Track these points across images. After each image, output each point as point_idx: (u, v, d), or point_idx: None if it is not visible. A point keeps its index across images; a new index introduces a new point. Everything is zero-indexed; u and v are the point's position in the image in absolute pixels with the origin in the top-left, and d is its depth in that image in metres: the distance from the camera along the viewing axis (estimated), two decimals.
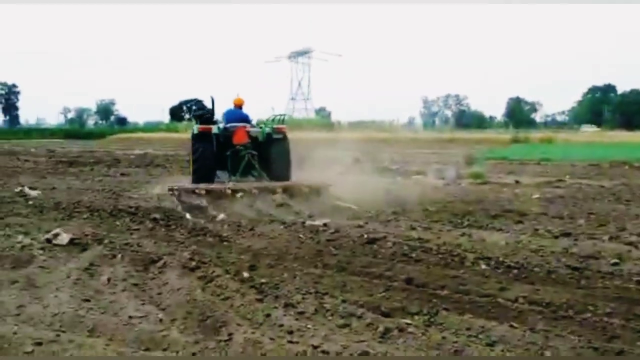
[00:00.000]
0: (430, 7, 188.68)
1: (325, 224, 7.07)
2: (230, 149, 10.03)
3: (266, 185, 9.41)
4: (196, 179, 9.77)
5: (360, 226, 7.01)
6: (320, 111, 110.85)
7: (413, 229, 6.89)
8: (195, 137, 10.13)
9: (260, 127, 10.55)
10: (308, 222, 7.21)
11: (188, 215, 7.77)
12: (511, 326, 3.76)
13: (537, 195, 10.01)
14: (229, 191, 8.87)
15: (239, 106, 10.80)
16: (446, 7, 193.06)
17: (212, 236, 6.54)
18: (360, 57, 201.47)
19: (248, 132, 10.20)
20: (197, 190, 8.79)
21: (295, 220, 7.40)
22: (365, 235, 6.38)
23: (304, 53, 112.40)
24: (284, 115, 11.55)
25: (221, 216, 7.79)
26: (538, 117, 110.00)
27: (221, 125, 10.25)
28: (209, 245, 6.11)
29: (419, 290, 4.50)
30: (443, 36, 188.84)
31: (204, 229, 6.89)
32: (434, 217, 7.80)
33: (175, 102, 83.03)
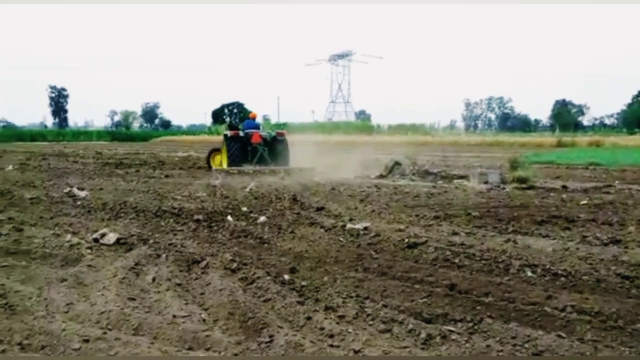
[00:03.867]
0: (472, 7, 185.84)
1: (365, 228, 7.04)
2: (249, 146, 15.98)
3: (273, 168, 15.03)
4: (230, 164, 15.68)
5: (401, 230, 6.94)
6: (360, 114, 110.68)
7: (455, 234, 6.76)
8: (229, 138, 16.28)
9: (268, 132, 16.76)
10: (348, 226, 7.19)
11: (229, 218, 7.86)
12: (559, 336, 3.65)
13: (585, 201, 9.69)
14: (251, 170, 14.59)
15: (253, 118, 17.57)
16: (489, 7, 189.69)
17: (253, 238, 6.60)
18: (401, 59, 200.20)
19: (261, 135, 16.14)
20: (231, 171, 14.69)
21: (335, 224, 7.39)
22: (406, 240, 6.31)
23: (344, 56, 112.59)
24: (285, 123, 19.45)
25: (261, 219, 7.85)
26: (585, 120, 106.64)
27: (241, 133, 16.15)
28: (250, 247, 6.17)
29: (462, 296, 4.42)
30: (486, 37, 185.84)
31: (245, 231, 6.96)
32: (478, 222, 7.65)
33: (217, 106, 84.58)
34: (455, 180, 13.57)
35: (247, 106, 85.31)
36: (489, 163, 19.01)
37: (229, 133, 16.48)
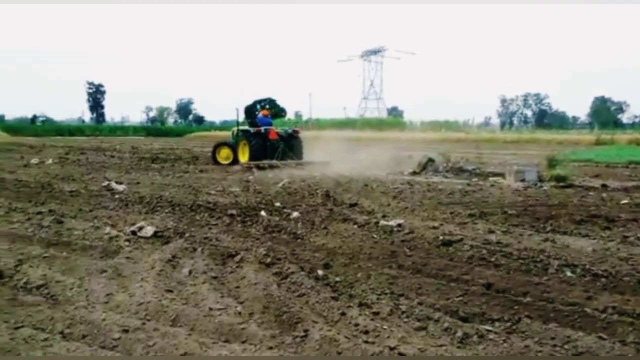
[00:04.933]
0: (508, 1, 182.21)
1: (399, 225, 7.00)
2: (268, 142, 17.63)
3: (289, 162, 16.69)
4: (251, 159, 17.07)
5: (435, 227, 6.88)
6: (392, 110, 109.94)
7: (491, 232, 6.67)
8: (252, 135, 17.90)
9: (285, 129, 18.63)
10: (382, 222, 7.16)
11: (263, 213, 7.93)
12: (599, 337, 3.56)
13: (626, 200, 9.41)
14: (278, 164, 16.28)
15: (265, 115, 19.71)
16: (526, 1, 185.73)
17: (286, 233, 6.64)
18: (434, 55, 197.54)
19: (277, 132, 17.85)
20: (261, 165, 16.24)
21: (368, 220, 7.38)
22: (441, 237, 6.25)
23: (376, 52, 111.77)
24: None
25: (295, 214, 7.89)
26: (625, 117, 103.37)
27: (262, 129, 17.74)
28: (284, 242, 6.21)
29: (499, 296, 4.35)
30: (522, 32, 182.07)
31: (279, 226, 7.01)
32: (514, 220, 7.51)
33: (250, 102, 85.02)
34: (491, 178, 13.35)
35: (279, 102, 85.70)
36: (525, 161, 18.65)
37: (251, 129, 18.19)
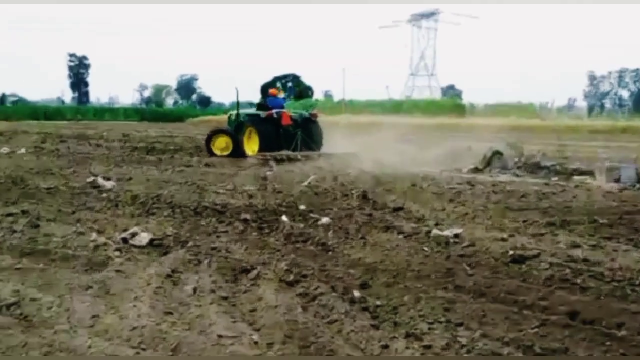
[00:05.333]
0: None
1: (456, 235, 6.96)
2: (281, 129, 18.22)
3: (305, 153, 17.14)
4: (262, 149, 17.49)
5: (503, 239, 6.82)
6: (449, 90, 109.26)
7: (576, 246, 6.57)
8: (261, 120, 18.41)
9: (300, 113, 19.49)
10: (434, 232, 7.12)
11: (284, 218, 7.98)
12: None
13: None
14: (299, 157, 16.66)
15: (274, 95, 19.89)
16: None
17: (313, 244, 6.67)
18: (502, 20, 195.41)
19: (290, 116, 18.46)
20: (278, 157, 16.40)
21: (417, 229, 7.36)
22: (511, 252, 6.19)
23: (429, 15, 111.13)
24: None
25: (324, 220, 7.92)
26: None
27: (275, 113, 18.18)
28: (310, 255, 6.24)
29: (587, 328, 4.29)
30: None
31: (304, 234, 7.05)
32: (606, 232, 7.40)
33: (269, 78, 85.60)
34: (576, 177, 13.18)
35: (305, 79, 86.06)
36: (620, 155, 18.32)
37: (261, 113, 18.69)
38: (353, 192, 10.16)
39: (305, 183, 11.28)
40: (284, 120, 18.19)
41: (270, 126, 18.19)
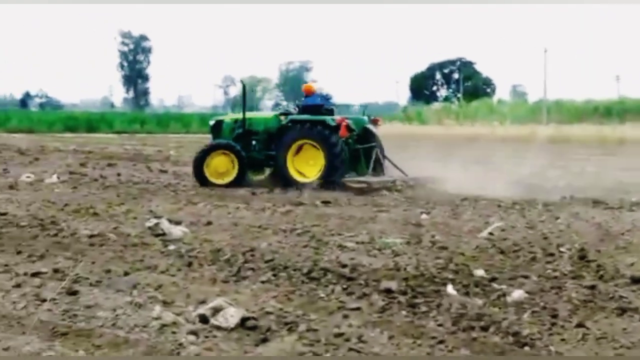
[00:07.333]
0: None
1: None
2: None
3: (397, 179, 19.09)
4: (331, 173, 18.60)
5: None
6: None
7: None
8: (332, 129, 18.79)
9: (357, 118, 20.62)
10: None
11: (450, 288, 7.91)
12: None
13: None
14: (400, 184, 18.66)
15: (310, 93, 20.70)
16: None
17: (498, 333, 6.54)
18: None
19: (347, 125, 19.02)
20: (355, 184, 18.29)
21: None
22: None
23: None
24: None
25: (515, 294, 7.77)
26: None
27: (329, 120, 19.01)
28: (494, 350, 6.12)
29: None
30: None
31: (481, 317, 6.92)
32: None
33: (423, 66, 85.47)
34: None
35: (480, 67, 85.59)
36: None
37: (328, 119, 19.25)
38: (563, 249, 9.97)
39: (485, 233, 11.13)
40: (342, 132, 18.86)
41: (339, 139, 18.82)
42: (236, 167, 19.03)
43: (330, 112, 19.99)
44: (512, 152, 20.82)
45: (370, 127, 20.13)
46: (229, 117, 20.92)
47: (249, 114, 20.17)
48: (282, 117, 19.99)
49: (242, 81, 19.83)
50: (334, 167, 18.52)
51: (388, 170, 19.76)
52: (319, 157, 18.67)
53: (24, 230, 11.18)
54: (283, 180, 18.80)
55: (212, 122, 21.23)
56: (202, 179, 19.18)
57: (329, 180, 18.35)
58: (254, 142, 19.61)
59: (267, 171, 20.33)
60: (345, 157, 18.78)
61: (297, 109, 20.73)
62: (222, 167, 19.16)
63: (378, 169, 19.56)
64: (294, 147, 18.99)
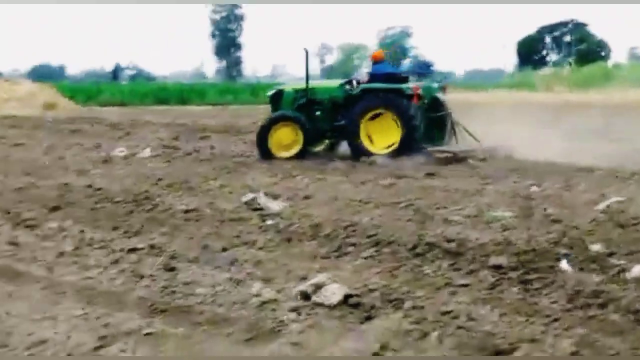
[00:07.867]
0: None
1: None
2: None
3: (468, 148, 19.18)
4: (410, 143, 18.42)
5: None
6: None
7: None
8: (405, 97, 18.70)
9: (429, 86, 20.53)
10: None
11: (564, 264, 7.80)
12: None
13: None
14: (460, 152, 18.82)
15: (379, 60, 20.75)
16: None
17: (619, 311, 6.43)
18: None
19: (418, 93, 18.85)
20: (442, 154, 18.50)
21: None
22: None
23: None
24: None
25: (635, 270, 7.63)
26: None
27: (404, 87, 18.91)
28: (614, 329, 6.02)
29: None
30: None
31: (599, 294, 6.80)
32: None
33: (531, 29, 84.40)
34: None
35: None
36: None
37: (405, 87, 19.00)
38: None
39: (601, 206, 10.93)
40: (414, 99, 18.82)
41: (416, 109, 18.74)
42: (300, 139, 18.81)
43: (404, 80, 19.89)
44: (631, 120, 20.22)
45: (440, 95, 20.20)
46: (290, 86, 20.70)
47: (312, 83, 19.93)
48: (348, 86, 19.74)
49: (305, 48, 20.04)
50: (411, 138, 18.21)
51: (465, 139, 19.81)
52: (393, 127, 18.45)
53: (118, 206, 11.43)
54: (354, 152, 18.66)
55: (271, 93, 20.91)
56: (265, 152, 18.97)
57: (406, 151, 17.99)
58: (317, 113, 19.30)
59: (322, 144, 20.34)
60: (422, 129, 18.80)
61: (366, 77, 20.48)
62: (286, 139, 18.93)
63: (453, 137, 19.83)
64: (367, 116, 18.73)
